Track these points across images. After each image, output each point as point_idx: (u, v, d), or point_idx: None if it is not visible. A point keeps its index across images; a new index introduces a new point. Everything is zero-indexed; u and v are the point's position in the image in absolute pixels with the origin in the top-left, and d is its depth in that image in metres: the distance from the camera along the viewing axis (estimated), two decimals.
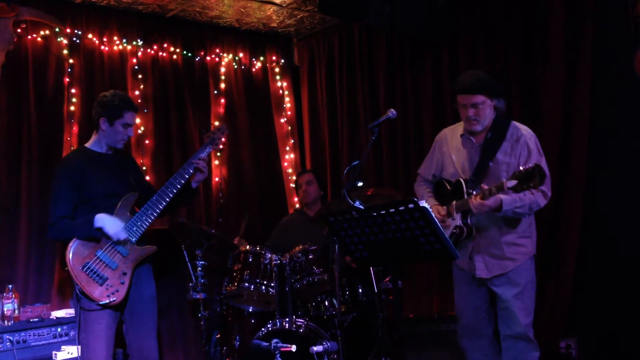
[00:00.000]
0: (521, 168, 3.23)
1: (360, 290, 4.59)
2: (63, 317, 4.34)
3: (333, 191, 6.07)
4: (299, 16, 5.94)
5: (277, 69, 6.47)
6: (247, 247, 4.64)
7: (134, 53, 5.53)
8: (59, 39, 5.13)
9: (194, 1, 5.41)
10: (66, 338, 4.24)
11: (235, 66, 6.19)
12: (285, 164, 6.43)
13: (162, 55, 5.71)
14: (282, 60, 6.49)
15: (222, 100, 6.04)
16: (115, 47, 5.44)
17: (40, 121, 4.99)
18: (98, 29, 5.34)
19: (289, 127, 6.46)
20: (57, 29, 5.11)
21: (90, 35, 5.30)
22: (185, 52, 5.84)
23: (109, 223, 3.53)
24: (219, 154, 5.92)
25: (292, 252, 4.55)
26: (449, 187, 3.75)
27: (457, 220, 3.62)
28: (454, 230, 3.62)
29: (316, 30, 6.32)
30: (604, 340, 4.41)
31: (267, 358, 3.64)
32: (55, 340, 4.20)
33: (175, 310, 5.43)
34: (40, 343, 4.15)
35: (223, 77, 6.07)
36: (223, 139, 4.09)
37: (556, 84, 4.60)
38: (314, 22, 6.14)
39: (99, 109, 3.71)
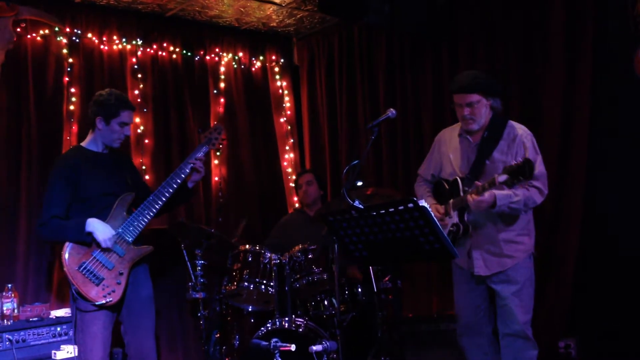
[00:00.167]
0: (512, 163, 3.28)
1: (359, 290, 4.60)
2: (62, 317, 4.33)
3: (333, 191, 6.06)
4: (298, 16, 5.94)
5: (276, 69, 6.46)
6: (247, 246, 4.64)
7: (133, 52, 5.52)
8: (58, 38, 5.13)
9: (194, 0, 5.41)
10: (65, 337, 4.22)
11: (235, 66, 6.19)
12: (285, 163, 6.43)
13: (161, 54, 5.70)
14: (282, 60, 6.49)
15: (222, 100, 6.04)
16: (114, 47, 5.44)
17: (40, 121, 4.99)
18: (97, 28, 5.34)
19: (289, 127, 6.46)
20: (56, 28, 5.11)
21: (89, 35, 5.30)
22: (184, 51, 5.83)
23: (99, 229, 3.52)
24: (218, 153, 5.92)
25: (292, 251, 4.55)
26: (446, 187, 3.77)
27: (454, 218, 3.65)
28: (451, 228, 3.65)
29: (316, 29, 6.32)
30: (603, 340, 4.41)
31: (266, 357, 3.64)
32: (54, 339, 4.19)
33: (174, 309, 5.43)
34: (39, 342, 4.13)
35: (223, 77, 6.06)
36: (222, 139, 4.08)
37: (556, 83, 4.60)
38: (313, 22, 6.14)
39: (95, 107, 3.70)
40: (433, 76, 5.40)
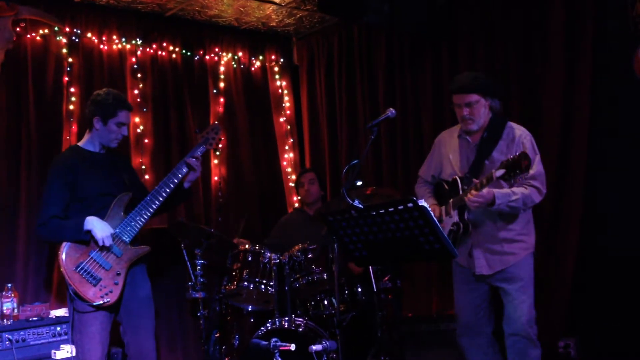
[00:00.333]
0: (509, 157, 3.29)
1: (359, 290, 4.60)
2: (62, 316, 4.33)
3: (332, 190, 6.06)
4: (298, 15, 5.94)
5: (276, 68, 6.46)
6: (247, 246, 4.64)
7: (133, 52, 5.52)
8: (58, 38, 5.13)
9: (193, 0, 5.41)
10: (65, 337, 4.22)
11: (235, 65, 6.18)
12: (285, 163, 6.43)
13: (161, 54, 5.70)
14: (282, 60, 6.49)
15: (222, 100, 6.04)
16: (114, 46, 5.44)
17: (40, 120, 4.99)
18: (97, 28, 5.34)
19: (288, 127, 6.46)
20: (56, 28, 5.10)
21: (89, 34, 5.30)
22: (184, 51, 5.83)
23: (98, 227, 3.51)
24: (217, 153, 5.92)
25: (292, 251, 4.55)
26: (446, 187, 3.79)
27: (455, 217, 3.66)
28: (452, 227, 3.66)
29: (315, 29, 6.32)
30: (602, 340, 4.41)
31: (266, 357, 3.64)
32: (54, 339, 4.20)
33: (174, 309, 5.43)
34: (39, 342, 4.14)
35: (222, 77, 6.06)
36: (219, 138, 4.07)
37: (556, 83, 4.60)
38: (313, 21, 6.14)
39: (92, 107, 3.68)
40: (433, 76, 5.40)
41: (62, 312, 4.43)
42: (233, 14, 5.80)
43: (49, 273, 4.87)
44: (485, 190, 3.45)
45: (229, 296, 4.65)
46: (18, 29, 4.92)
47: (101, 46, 5.37)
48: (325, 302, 4.53)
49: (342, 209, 2.99)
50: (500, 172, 3.31)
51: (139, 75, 5.52)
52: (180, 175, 3.82)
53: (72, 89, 5.14)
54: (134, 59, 5.51)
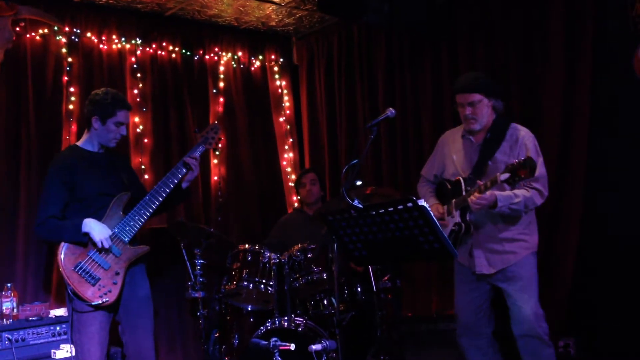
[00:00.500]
0: (514, 161, 3.30)
1: (359, 289, 4.60)
2: (62, 316, 4.34)
3: (332, 190, 6.06)
4: (298, 15, 5.94)
5: (276, 68, 6.46)
6: (246, 245, 4.64)
7: (132, 52, 5.52)
8: (57, 38, 5.13)
9: (193, 0, 5.40)
10: (65, 336, 4.23)
11: (234, 65, 6.18)
12: (284, 163, 6.42)
13: (161, 54, 5.70)
14: (281, 59, 6.48)
15: (221, 99, 6.03)
16: (114, 46, 5.44)
17: (39, 120, 4.98)
18: (97, 27, 5.34)
19: (288, 126, 6.46)
20: (55, 28, 5.10)
21: (89, 34, 5.29)
22: (184, 50, 5.83)
23: (96, 229, 3.50)
24: (217, 152, 5.92)
25: (291, 250, 4.55)
26: (449, 187, 3.79)
27: (456, 218, 3.66)
28: (453, 227, 3.66)
29: (315, 29, 6.32)
30: (602, 340, 4.41)
31: (266, 357, 3.64)
32: (54, 338, 4.20)
33: (174, 309, 5.43)
34: (39, 341, 4.14)
35: (222, 76, 6.06)
36: (218, 138, 4.07)
37: (556, 83, 4.60)
38: (313, 21, 6.14)
39: (91, 107, 3.67)
40: (432, 75, 5.40)
41: (61, 311, 4.44)
42: (233, 14, 5.80)
43: (48, 273, 4.87)
44: (488, 193, 3.45)
45: (229, 296, 4.65)
46: (18, 29, 4.92)
47: (101, 46, 5.36)
48: (325, 302, 4.53)
49: (342, 209, 2.99)
50: (505, 175, 3.31)
51: (138, 75, 5.51)
52: (179, 175, 3.81)
53: (72, 89, 5.13)
54: (133, 59, 5.51)
